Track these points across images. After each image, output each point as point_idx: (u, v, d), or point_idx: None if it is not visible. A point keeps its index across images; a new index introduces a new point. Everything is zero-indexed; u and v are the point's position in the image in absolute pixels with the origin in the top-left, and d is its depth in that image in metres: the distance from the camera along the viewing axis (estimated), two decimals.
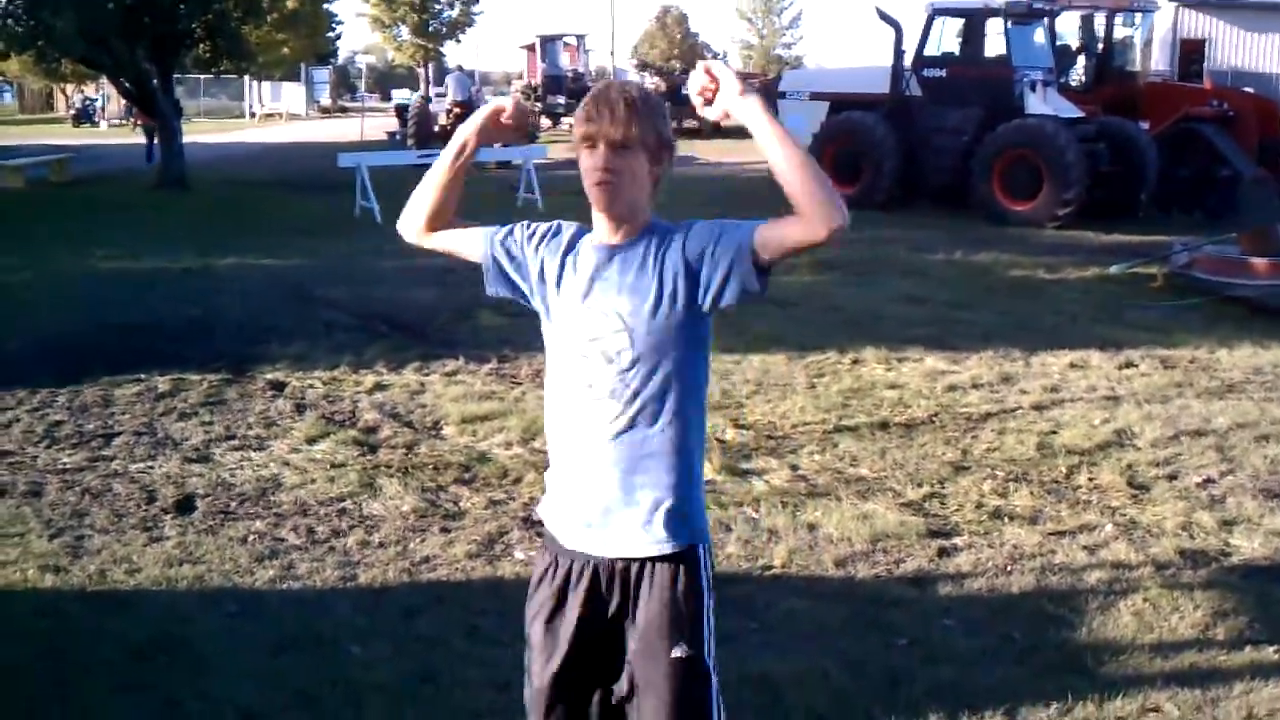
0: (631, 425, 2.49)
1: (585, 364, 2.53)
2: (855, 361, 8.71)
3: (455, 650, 4.23)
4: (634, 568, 2.50)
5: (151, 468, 6.33)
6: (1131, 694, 3.87)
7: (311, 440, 6.78)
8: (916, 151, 18.24)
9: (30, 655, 4.19)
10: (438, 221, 2.77)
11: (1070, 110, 17.33)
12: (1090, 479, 6.20)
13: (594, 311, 2.52)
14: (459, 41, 51.91)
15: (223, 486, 6.03)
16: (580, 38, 37.05)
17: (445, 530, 5.43)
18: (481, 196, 20.39)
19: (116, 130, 42.37)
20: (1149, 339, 9.50)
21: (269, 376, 8.14)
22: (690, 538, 2.50)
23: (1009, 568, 5.01)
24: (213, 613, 4.57)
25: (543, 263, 2.63)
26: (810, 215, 2.30)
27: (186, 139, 23.13)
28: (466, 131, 2.67)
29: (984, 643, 4.30)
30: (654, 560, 2.48)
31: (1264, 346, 9.29)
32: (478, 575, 4.95)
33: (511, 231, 2.70)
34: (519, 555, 5.14)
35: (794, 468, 6.34)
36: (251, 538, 5.33)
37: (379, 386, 7.93)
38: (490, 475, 6.20)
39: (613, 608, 2.52)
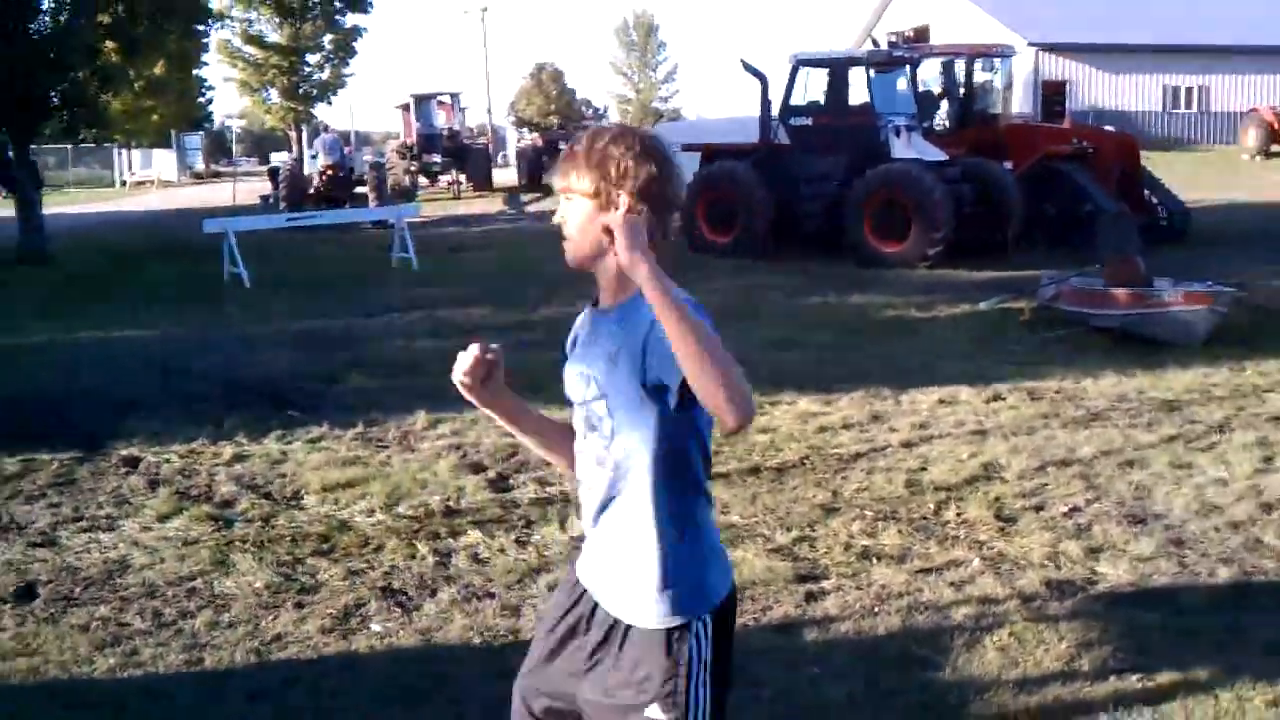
0: (613, 497, 2.44)
1: (581, 427, 2.51)
2: None
3: None
4: (621, 625, 2.46)
5: None
6: None
7: (164, 518, 6.49)
8: (788, 198, 18.43)
9: None
10: (560, 449, 2.69)
11: (934, 154, 17.67)
12: (958, 514, 6.20)
13: (577, 374, 2.49)
14: (330, 103, 51.38)
15: (67, 571, 5.73)
16: (455, 96, 36.91)
17: (299, 605, 5.20)
18: (355, 259, 20.15)
19: None
20: (1017, 372, 9.63)
21: (124, 453, 7.82)
22: (674, 614, 2.41)
23: (876, 609, 4.95)
24: (48, 707, 4.30)
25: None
26: (712, 410, 2.14)
27: (55, 209, 22.52)
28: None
29: (850, 689, 4.21)
30: (638, 628, 2.43)
31: (1128, 374, 9.46)
32: (331, 651, 4.73)
33: None
34: (375, 628, 4.95)
35: None
36: (94, 624, 5.05)
37: (239, 458, 7.66)
38: (350, 545, 5.98)
39: (591, 645, 2.50)
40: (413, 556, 5.76)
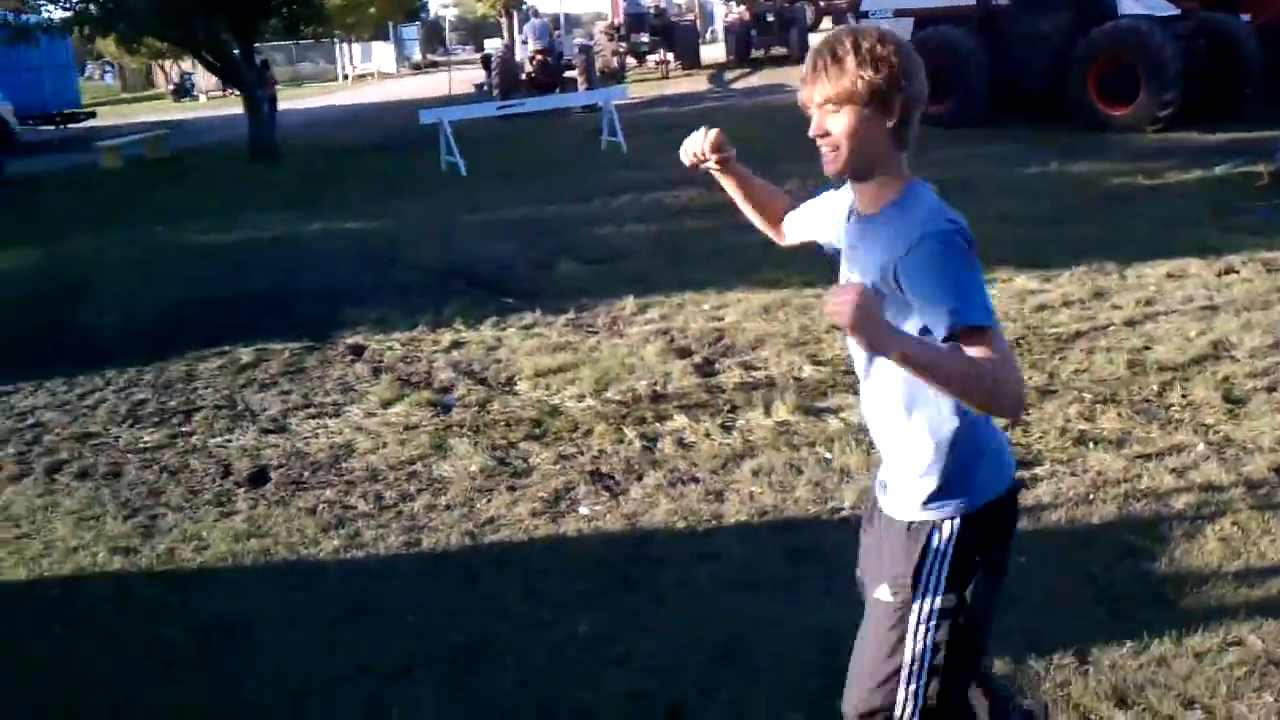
0: (875, 403, 2.51)
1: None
2: None
3: (512, 614, 4.17)
4: (884, 519, 2.58)
5: (229, 441, 6.38)
6: (1212, 627, 3.66)
7: (386, 404, 6.77)
8: (1008, 63, 17.63)
9: (92, 640, 4.24)
10: (774, 223, 2.86)
11: (1165, 8, 16.54)
12: (1183, 396, 5.90)
13: (842, 275, 2.51)
14: None
15: (297, 456, 6.05)
16: None
17: (512, 489, 5.37)
18: (566, 145, 20.33)
19: (216, 101, 43.05)
20: (1252, 243, 9.03)
21: (349, 341, 8.17)
22: (920, 510, 2.47)
23: (1091, 496, 4.78)
24: (275, 587, 4.57)
25: (829, 229, 2.65)
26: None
27: (282, 105, 23.30)
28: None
29: (1059, 579, 4.09)
30: (893, 520, 2.54)
31: None
32: (540, 534, 4.88)
33: (811, 203, 2.76)
34: (584, 511, 5.06)
35: None
36: (321, 507, 5.33)
37: (456, 344, 7.90)
38: (561, 429, 6.12)
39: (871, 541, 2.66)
40: (620, 441, 5.85)
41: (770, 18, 35.56)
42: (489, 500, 5.26)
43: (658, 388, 6.64)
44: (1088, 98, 16.65)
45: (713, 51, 38.09)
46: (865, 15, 21.04)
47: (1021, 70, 17.53)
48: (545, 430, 6.14)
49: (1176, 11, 16.51)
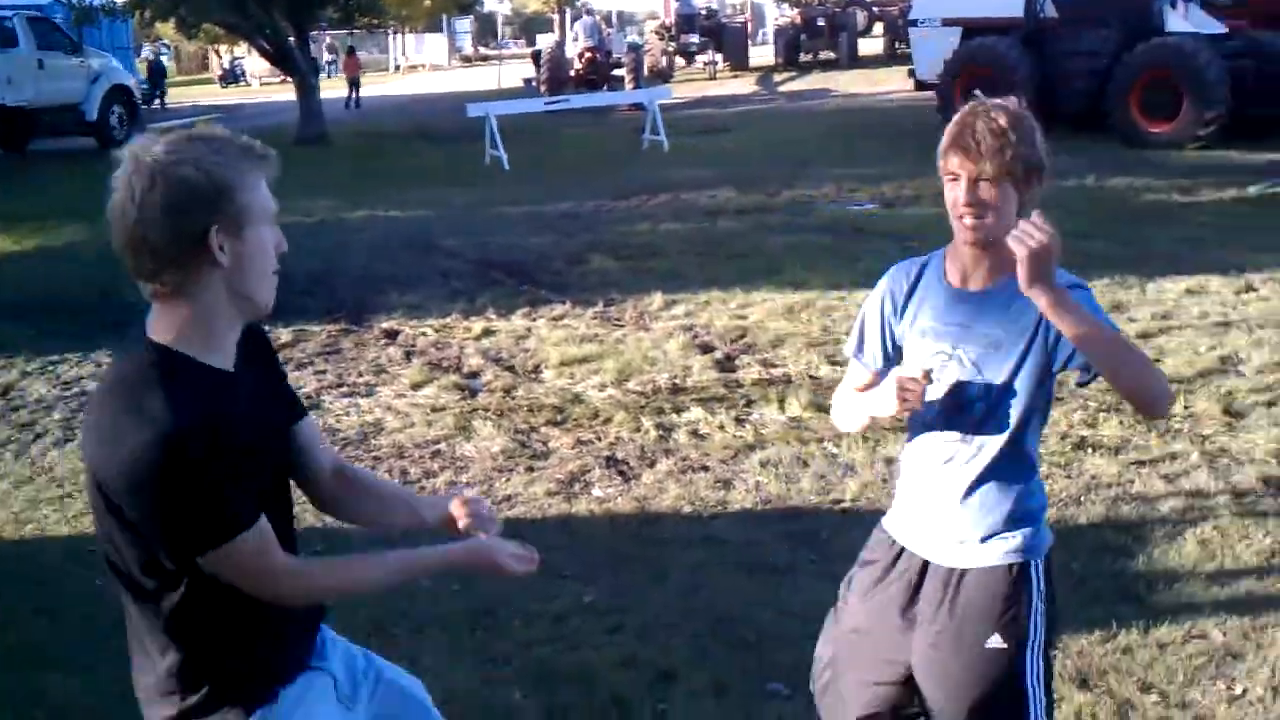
0: (974, 462, 2.52)
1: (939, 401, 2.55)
2: None
3: (520, 584, 4.38)
4: (958, 571, 2.55)
5: None
6: (1179, 621, 3.86)
7: (416, 386, 7.04)
8: (1052, 76, 17.69)
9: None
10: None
11: (1213, 26, 16.56)
12: (1185, 407, 6.06)
13: (935, 354, 2.53)
14: None
15: (328, 432, 6.31)
16: None
17: (530, 470, 5.63)
18: (609, 142, 20.58)
19: (269, 88, 43.60)
20: (1274, 261, 9.14)
21: (384, 325, 8.45)
22: (1017, 554, 2.51)
23: (1082, 499, 4.98)
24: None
25: (898, 329, 2.64)
26: (1138, 406, 2.46)
27: (333, 94, 23.62)
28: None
29: None
30: (979, 568, 2.53)
31: None
32: (553, 513, 5.13)
33: (870, 334, 2.69)
34: (597, 493, 5.31)
35: None
36: None
37: (487, 332, 8.16)
38: (581, 416, 6.37)
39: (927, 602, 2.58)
40: (637, 430, 6.09)
41: (821, 22, 35.61)
42: (508, 479, 5.52)
43: (677, 381, 6.86)
44: (1130, 113, 16.70)
45: (762, 54, 38.25)
46: (914, 23, 21.19)
47: (1065, 84, 17.57)
48: (566, 417, 6.39)
49: (1224, 30, 16.53)
